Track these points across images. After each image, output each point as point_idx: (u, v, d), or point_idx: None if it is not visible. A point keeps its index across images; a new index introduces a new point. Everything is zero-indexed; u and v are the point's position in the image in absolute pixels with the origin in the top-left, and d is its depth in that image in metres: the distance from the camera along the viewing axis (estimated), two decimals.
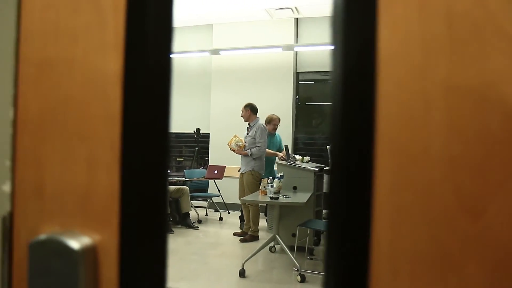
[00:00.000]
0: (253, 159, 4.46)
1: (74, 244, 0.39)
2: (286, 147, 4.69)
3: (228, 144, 4.65)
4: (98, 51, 0.41)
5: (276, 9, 6.57)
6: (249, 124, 4.64)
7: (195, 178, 6.01)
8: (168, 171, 0.42)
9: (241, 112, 4.65)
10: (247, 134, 4.62)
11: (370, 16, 0.31)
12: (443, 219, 0.31)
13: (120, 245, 0.40)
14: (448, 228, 0.30)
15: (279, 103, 6.21)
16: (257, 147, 4.43)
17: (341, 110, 0.32)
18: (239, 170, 4.70)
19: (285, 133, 5.30)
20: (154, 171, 0.39)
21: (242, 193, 4.56)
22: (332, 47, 0.34)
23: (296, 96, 6.69)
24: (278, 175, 4.16)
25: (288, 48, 6.57)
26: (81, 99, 0.42)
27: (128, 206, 0.39)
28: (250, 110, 4.60)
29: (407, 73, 0.31)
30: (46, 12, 0.43)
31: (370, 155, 0.31)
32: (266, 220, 4.70)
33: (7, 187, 0.44)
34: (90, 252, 0.40)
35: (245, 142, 4.56)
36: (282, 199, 3.76)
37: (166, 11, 0.42)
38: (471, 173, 0.30)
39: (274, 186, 3.95)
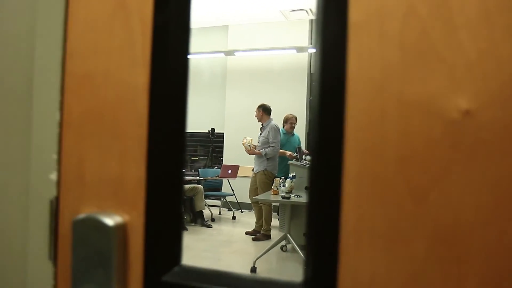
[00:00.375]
0: (266, 159, 4.55)
1: (109, 221, 0.49)
2: (299, 148, 4.76)
3: (242, 143, 4.75)
4: (129, 66, 0.51)
5: (291, 11, 6.65)
6: (262, 124, 4.72)
7: (209, 177, 6.13)
8: (184, 163, 0.51)
9: (255, 112, 4.75)
10: (260, 134, 4.71)
11: (342, 45, 0.40)
12: (395, 203, 0.39)
13: (145, 223, 0.50)
14: (399, 210, 0.39)
15: (293, 104, 6.28)
16: (271, 147, 4.51)
17: (319, 116, 0.42)
18: (252, 170, 4.79)
19: (298, 134, 5.37)
20: (173, 164, 0.49)
21: (252, 192, 4.64)
22: (315, 66, 0.43)
23: (310, 97, 6.76)
24: (290, 175, 4.24)
25: (303, 49, 6.63)
26: (115, 105, 0.52)
27: (152, 192, 0.49)
28: (263, 110, 4.68)
29: (369, 89, 0.40)
30: (87, 34, 0.54)
31: (340, 153, 0.40)
32: (278, 219, 4.78)
33: (54, 176, 0.55)
34: (121, 229, 0.50)
35: (258, 142, 4.65)
36: (294, 198, 3.85)
37: (185, 30, 0.51)
38: (417, 169, 0.39)
39: (286, 186, 4.03)
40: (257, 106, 4.75)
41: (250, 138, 4.72)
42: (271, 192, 4.14)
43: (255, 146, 4.66)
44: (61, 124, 0.54)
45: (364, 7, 0.40)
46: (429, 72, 0.38)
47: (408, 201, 0.39)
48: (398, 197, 0.39)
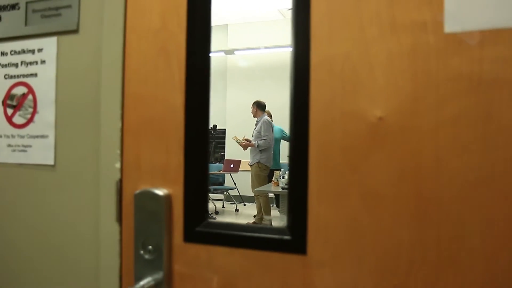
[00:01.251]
0: (260, 151, 4.81)
1: (159, 192, 0.75)
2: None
3: (233, 139, 5.02)
4: (170, 91, 0.77)
5: (289, 9, 6.88)
6: (257, 120, 5.00)
7: (212, 172, 6.39)
8: (208, 154, 0.77)
9: (251, 108, 5.01)
10: (255, 128, 4.99)
11: (306, 56, 0.66)
12: (340, 173, 0.65)
13: (183, 194, 0.76)
14: (342, 178, 0.65)
15: None
16: (262, 140, 4.77)
17: (293, 116, 0.68)
18: (249, 163, 5.07)
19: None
20: (201, 154, 0.75)
21: (254, 185, 4.91)
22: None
23: None
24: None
25: None
26: (161, 117, 0.77)
27: (188, 173, 0.75)
28: (257, 106, 4.96)
29: (324, 107, 0.66)
30: (140, 68, 0.79)
31: (307, 144, 0.66)
32: (279, 211, 5.05)
33: (118, 165, 0.80)
34: (167, 198, 0.76)
35: (252, 136, 4.93)
36: None
37: (207, 66, 0.76)
38: (353, 151, 0.65)
39: (286, 177, 4.29)
40: (252, 103, 5.01)
41: (238, 137, 5.00)
42: (272, 184, 4.40)
43: (247, 139, 4.93)
44: (122, 130, 0.80)
45: (321, 66, 0.66)
46: (359, 95, 0.64)
47: (347, 171, 0.65)
48: (341, 169, 0.65)
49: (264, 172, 4.75)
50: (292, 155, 0.68)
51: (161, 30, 0.77)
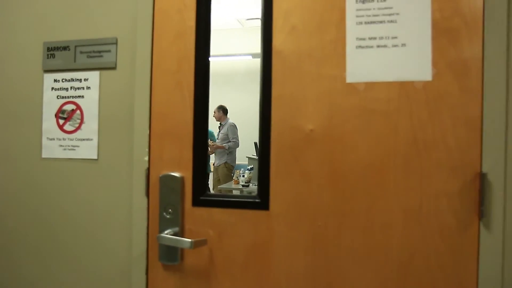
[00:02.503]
0: (227, 153, 5.25)
1: (177, 175, 1.20)
2: (255, 144, 5.51)
3: None
4: (183, 110, 1.21)
5: (247, 19, 7.36)
6: (220, 123, 5.43)
7: None
8: (207, 151, 1.21)
9: (214, 113, 5.42)
10: (219, 132, 5.42)
11: (269, 92, 1.13)
12: (286, 162, 1.13)
13: (192, 176, 1.20)
14: (293, 163, 1.12)
15: (250, 105, 6.98)
16: (232, 142, 5.22)
17: (262, 128, 1.14)
18: (213, 164, 5.47)
19: (255, 132, 6.06)
20: (203, 151, 1.20)
21: (216, 184, 5.33)
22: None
23: None
24: (249, 167, 4.97)
25: (258, 55, 7.33)
26: (177, 127, 1.21)
27: (195, 163, 1.20)
28: (222, 111, 5.39)
29: (280, 121, 1.13)
30: (162, 95, 1.22)
31: (269, 146, 1.13)
32: None
33: (146, 158, 1.24)
34: (181, 179, 1.20)
35: (217, 139, 5.35)
36: (252, 187, 4.58)
37: (207, 90, 1.21)
38: (297, 150, 1.12)
39: (245, 176, 4.77)
40: (216, 107, 5.42)
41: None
42: (232, 182, 4.86)
43: (213, 143, 5.35)
44: (149, 135, 1.23)
45: (278, 98, 1.13)
46: (299, 116, 1.12)
47: (292, 161, 1.12)
48: (289, 160, 1.12)
49: (230, 172, 5.18)
50: (261, 152, 1.15)
51: (178, 72, 1.21)
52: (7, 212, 1.39)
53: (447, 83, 1.05)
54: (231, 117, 5.50)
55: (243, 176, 4.78)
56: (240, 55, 7.33)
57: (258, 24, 1.22)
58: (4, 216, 1.39)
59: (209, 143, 5.35)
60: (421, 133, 1.07)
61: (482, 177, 1.03)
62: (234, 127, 5.31)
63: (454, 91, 1.05)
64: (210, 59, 1.22)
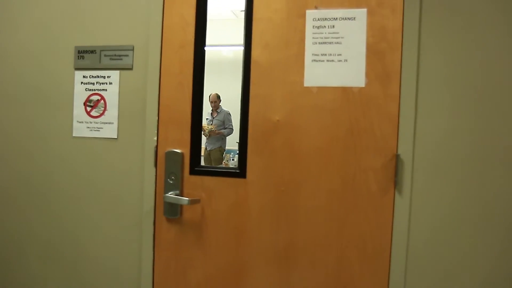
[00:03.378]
0: (222, 138, 5.64)
1: (179, 151, 1.61)
2: None
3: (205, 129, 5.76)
4: (183, 103, 1.61)
5: (241, 11, 7.68)
6: (216, 110, 5.79)
7: None
8: (200, 135, 1.63)
9: (214, 102, 5.75)
10: (213, 118, 5.78)
11: (247, 91, 1.54)
12: (259, 144, 1.54)
13: (190, 153, 1.61)
14: (260, 146, 1.54)
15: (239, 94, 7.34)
16: (228, 129, 5.60)
17: (242, 118, 1.55)
18: (206, 148, 5.85)
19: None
20: (198, 134, 1.60)
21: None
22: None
23: None
24: (232, 152, 5.36)
25: None
26: (180, 115, 1.61)
27: (192, 143, 1.61)
28: (219, 99, 5.76)
29: (255, 113, 1.54)
30: (167, 92, 1.63)
31: (247, 133, 1.55)
32: None
33: (155, 138, 1.64)
34: (182, 154, 1.61)
35: (213, 125, 5.73)
36: None
37: (201, 87, 1.62)
38: (267, 137, 1.53)
39: (235, 160, 5.18)
40: (216, 96, 5.76)
41: (207, 126, 5.77)
42: (223, 165, 5.26)
43: (216, 129, 5.73)
44: (158, 122, 1.64)
45: (254, 97, 1.53)
46: (268, 110, 1.53)
47: (263, 143, 1.54)
48: (261, 142, 1.54)
49: (222, 156, 5.57)
50: (241, 136, 1.56)
51: (180, 73, 1.61)
52: (43, 179, 1.79)
53: (375, 89, 1.47)
54: (224, 104, 5.85)
55: (233, 160, 5.19)
56: (233, 45, 7.68)
57: None
58: (44, 180, 1.80)
59: (212, 129, 5.73)
60: (355, 125, 1.48)
61: (397, 157, 1.45)
62: (229, 114, 5.67)
63: (380, 95, 1.47)
64: (206, 48, 1.60)
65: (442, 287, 1.45)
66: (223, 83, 7.40)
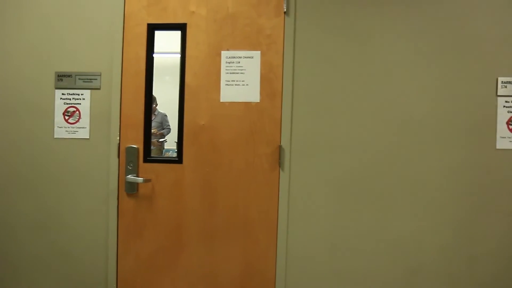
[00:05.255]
0: (162, 137, 6.30)
1: (135, 146, 2.32)
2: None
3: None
4: (139, 111, 2.33)
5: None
6: (153, 113, 6.46)
7: None
8: (150, 120, 2.35)
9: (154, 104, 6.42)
10: (153, 120, 6.42)
11: (182, 104, 2.29)
12: (191, 139, 2.29)
13: (143, 148, 2.33)
14: (192, 140, 2.29)
15: (176, 98, 8.05)
16: (167, 128, 6.28)
17: (179, 120, 2.30)
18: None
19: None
20: (148, 136, 2.33)
21: None
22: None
23: None
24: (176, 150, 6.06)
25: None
26: (135, 121, 2.33)
27: (145, 140, 2.33)
28: (155, 103, 6.44)
29: (188, 119, 2.29)
30: (128, 104, 2.34)
31: (182, 131, 2.30)
32: None
33: (118, 138, 2.35)
34: (137, 148, 2.33)
35: (154, 128, 6.39)
36: None
37: (151, 90, 2.34)
38: (196, 135, 2.29)
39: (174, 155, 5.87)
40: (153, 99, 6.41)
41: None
42: None
43: (157, 130, 6.38)
44: (120, 126, 2.34)
45: (187, 108, 2.29)
46: (197, 116, 2.29)
47: (193, 138, 2.29)
48: (192, 137, 2.29)
49: (162, 154, 6.23)
50: (178, 134, 2.31)
51: (135, 92, 2.33)
52: (31, 169, 2.43)
53: (266, 103, 2.28)
54: (162, 108, 6.52)
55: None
56: (173, 53, 8.34)
57: None
58: (31, 170, 2.43)
59: (154, 131, 6.36)
60: (254, 126, 2.28)
61: (280, 147, 2.27)
62: (166, 116, 6.38)
63: (269, 106, 2.28)
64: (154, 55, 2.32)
65: (316, 227, 2.28)
66: (163, 86, 8.06)
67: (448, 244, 2.26)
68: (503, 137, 2.27)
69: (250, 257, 2.30)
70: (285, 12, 2.27)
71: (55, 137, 2.42)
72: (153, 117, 6.42)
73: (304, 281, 2.30)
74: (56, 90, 2.42)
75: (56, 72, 2.41)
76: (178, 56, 2.35)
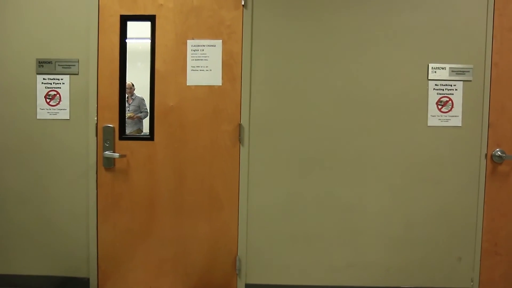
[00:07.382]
0: (140, 121, 6.52)
1: (111, 125, 2.60)
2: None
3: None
4: (114, 93, 2.60)
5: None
6: (131, 97, 6.66)
7: None
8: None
9: (131, 88, 6.59)
10: (130, 104, 6.62)
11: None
12: (161, 119, 2.58)
13: (118, 127, 2.61)
14: (162, 120, 2.58)
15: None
16: (144, 112, 6.49)
17: (151, 103, 2.59)
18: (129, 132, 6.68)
19: None
20: (123, 116, 2.60)
21: None
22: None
23: None
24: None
25: None
26: (111, 103, 2.60)
27: (120, 120, 2.60)
28: (133, 86, 6.64)
29: (158, 101, 2.58)
30: (104, 86, 2.60)
31: (153, 111, 2.58)
32: None
33: (96, 118, 2.62)
34: (113, 128, 2.61)
35: (128, 110, 6.58)
36: None
37: (125, 76, 2.61)
38: (166, 115, 2.58)
39: None
40: (131, 84, 6.58)
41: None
42: None
43: (134, 114, 6.59)
44: (97, 106, 2.61)
45: (158, 97, 2.57)
46: (167, 99, 2.58)
47: (164, 118, 2.58)
48: (162, 117, 2.58)
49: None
50: (150, 115, 2.59)
51: (110, 77, 2.59)
52: (17, 148, 2.68)
53: (227, 86, 2.57)
54: (136, 92, 6.73)
55: None
56: (145, 38, 8.50)
57: None
58: (18, 147, 2.69)
59: (131, 115, 6.57)
60: (217, 107, 2.58)
61: (240, 125, 2.58)
62: (143, 99, 6.57)
63: (230, 89, 2.57)
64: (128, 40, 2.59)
65: (272, 194, 2.62)
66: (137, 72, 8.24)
67: (387, 207, 2.62)
68: (433, 116, 2.62)
69: (216, 222, 2.63)
70: (243, 5, 2.56)
71: (38, 118, 2.67)
72: (130, 101, 6.71)
73: (262, 240, 2.65)
74: (38, 76, 2.66)
75: (37, 59, 2.65)
76: (149, 42, 2.60)
